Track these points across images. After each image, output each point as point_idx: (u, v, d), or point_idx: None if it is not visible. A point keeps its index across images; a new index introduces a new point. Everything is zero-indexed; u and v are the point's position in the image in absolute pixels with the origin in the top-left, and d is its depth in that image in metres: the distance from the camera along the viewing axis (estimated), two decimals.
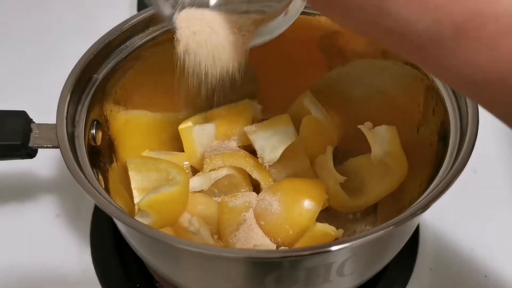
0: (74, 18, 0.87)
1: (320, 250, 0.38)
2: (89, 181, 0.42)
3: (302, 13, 0.58)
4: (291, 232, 0.53)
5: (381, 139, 0.55)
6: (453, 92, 0.49)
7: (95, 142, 0.51)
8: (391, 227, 0.37)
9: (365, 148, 0.60)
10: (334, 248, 0.37)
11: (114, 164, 0.55)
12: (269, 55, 0.61)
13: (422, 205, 0.39)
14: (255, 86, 0.65)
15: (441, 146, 0.48)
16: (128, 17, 0.55)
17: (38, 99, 0.64)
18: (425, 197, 0.40)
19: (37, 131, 0.47)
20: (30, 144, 0.47)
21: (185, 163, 0.61)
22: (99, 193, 0.41)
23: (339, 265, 0.40)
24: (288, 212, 0.53)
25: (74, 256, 0.59)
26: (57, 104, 0.47)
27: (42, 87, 0.73)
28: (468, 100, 0.46)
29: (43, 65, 0.79)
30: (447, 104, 0.49)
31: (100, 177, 0.49)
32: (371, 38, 0.32)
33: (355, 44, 0.59)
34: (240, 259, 0.40)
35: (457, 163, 0.42)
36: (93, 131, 0.51)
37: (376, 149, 0.55)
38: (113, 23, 0.55)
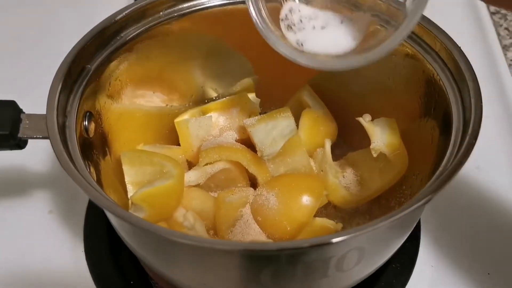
0: (68, 10, 0.86)
1: (319, 242, 0.36)
2: (80, 173, 0.41)
3: None
4: (288, 228, 0.51)
5: (380, 131, 0.54)
6: (456, 82, 0.47)
7: (87, 134, 0.50)
8: (392, 218, 0.36)
9: (365, 142, 0.59)
10: (332, 240, 0.36)
11: (108, 157, 0.54)
12: (267, 48, 0.60)
13: (423, 196, 0.37)
14: (253, 79, 0.64)
15: (443, 139, 0.46)
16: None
17: (28, 89, 0.62)
18: (426, 189, 0.39)
19: (27, 122, 0.46)
20: (20, 135, 0.45)
21: (181, 156, 0.60)
22: (90, 185, 0.40)
23: (338, 259, 0.39)
24: (286, 208, 0.52)
25: (67, 253, 0.58)
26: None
27: (33, 77, 0.72)
28: (471, 90, 0.44)
29: (34, 55, 0.78)
30: (449, 96, 0.47)
31: (92, 169, 0.47)
32: None
33: None
34: (234, 251, 0.39)
35: (460, 154, 0.40)
36: (86, 123, 0.49)
37: (375, 141, 0.54)
38: (107, 15, 0.53)
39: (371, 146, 0.53)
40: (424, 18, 0.51)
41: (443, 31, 0.50)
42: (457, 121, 0.45)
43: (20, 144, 0.46)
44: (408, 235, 0.46)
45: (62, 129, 0.45)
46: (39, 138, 0.45)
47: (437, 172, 0.41)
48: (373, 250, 0.42)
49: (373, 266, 0.45)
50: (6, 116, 0.45)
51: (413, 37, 0.52)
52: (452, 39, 0.49)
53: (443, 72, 0.49)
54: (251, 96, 0.63)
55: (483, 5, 0.86)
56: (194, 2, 0.57)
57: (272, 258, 0.39)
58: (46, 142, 0.46)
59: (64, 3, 0.87)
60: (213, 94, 0.65)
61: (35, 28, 0.82)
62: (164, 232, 0.37)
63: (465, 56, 0.47)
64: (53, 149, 0.42)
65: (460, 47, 0.48)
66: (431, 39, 0.50)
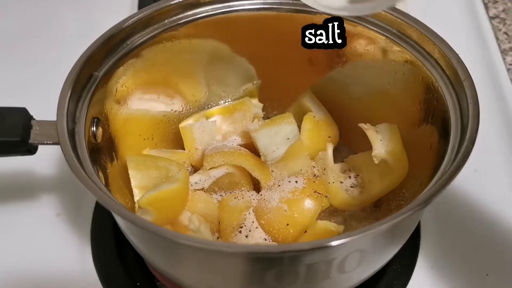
0: (74, 18, 0.87)
1: (320, 245, 0.38)
2: (90, 179, 0.42)
3: (302, 11, 0.58)
4: (291, 231, 0.52)
5: (382, 137, 0.55)
6: (454, 89, 0.49)
7: (95, 139, 0.51)
8: (392, 221, 0.37)
9: (365, 145, 0.60)
10: (334, 243, 0.37)
11: (115, 162, 0.55)
12: (270, 54, 0.62)
13: (423, 200, 0.39)
14: (255, 84, 0.65)
15: (442, 144, 0.47)
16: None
17: (38, 97, 0.63)
18: (425, 193, 0.40)
19: (38, 128, 0.47)
20: (31, 141, 0.46)
21: (185, 161, 0.61)
22: (100, 189, 0.41)
23: (340, 261, 0.40)
24: (289, 212, 0.53)
25: (75, 256, 0.59)
26: (57, 102, 0.47)
27: (42, 85, 0.73)
28: (469, 97, 0.46)
29: (43, 63, 0.79)
30: (447, 102, 0.48)
31: (101, 174, 0.49)
32: None
33: (355, 44, 0.59)
34: (239, 254, 0.40)
35: (457, 159, 0.42)
36: (94, 128, 0.51)
37: (377, 147, 0.55)
38: (113, 23, 0.55)
39: (372, 154, 0.54)
40: (423, 25, 0.53)
41: (442, 38, 0.51)
42: (455, 127, 0.46)
43: (31, 150, 0.47)
44: (408, 237, 0.47)
45: (72, 135, 0.46)
46: (49, 144, 0.47)
47: (436, 177, 0.42)
48: (374, 252, 0.43)
49: (374, 268, 0.46)
50: (17, 123, 0.46)
51: (412, 44, 0.54)
52: (451, 47, 0.50)
53: (441, 78, 0.50)
54: (254, 101, 0.64)
55: (482, 10, 0.87)
56: (198, 10, 0.59)
57: (275, 261, 0.40)
58: (54, 147, 0.48)
59: (73, 11, 0.88)
60: (217, 99, 0.66)
61: (43, 36, 0.84)
62: (173, 235, 0.39)
63: (463, 63, 0.48)
64: (64, 155, 0.43)
65: (458, 55, 0.49)
66: (430, 46, 0.52)
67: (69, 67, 0.50)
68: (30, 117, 0.48)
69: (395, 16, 0.55)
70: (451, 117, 0.47)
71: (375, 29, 0.56)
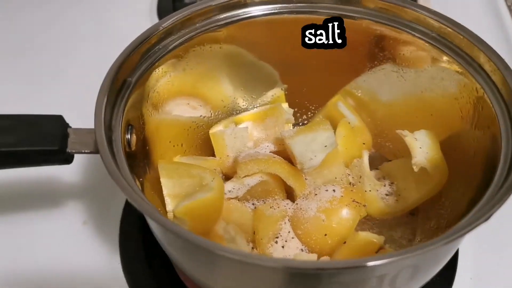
0: (102, 25, 0.85)
1: (356, 264, 0.36)
2: (133, 189, 0.40)
3: (345, 16, 0.57)
4: (329, 241, 0.51)
5: (421, 144, 0.54)
6: (502, 96, 0.47)
7: (129, 147, 0.50)
8: (455, 236, 0.36)
9: (397, 152, 0.59)
10: (397, 258, 0.36)
11: (147, 169, 0.53)
12: (297, 58, 0.61)
13: (479, 217, 0.37)
14: (284, 90, 0.64)
15: (490, 152, 0.46)
16: (148, 23, 0.54)
17: (70, 104, 0.62)
18: (483, 206, 0.39)
19: (74, 136, 0.46)
20: (68, 150, 0.45)
21: (216, 168, 0.59)
22: (144, 200, 0.40)
23: (392, 277, 0.39)
24: (327, 221, 0.51)
25: (103, 264, 0.57)
26: (90, 110, 0.46)
27: (74, 92, 0.72)
28: None
29: (72, 71, 0.77)
30: (495, 109, 0.47)
31: (137, 183, 0.47)
32: None
33: (391, 48, 0.57)
34: (281, 269, 0.38)
35: None
36: (128, 136, 0.49)
37: (417, 155, 0.53)
38: (140, 28, 0.54)
39: (412, 161, 0.53)
40: (467, 30, 0.51)
41: (487, 44, 0.50)
42: (506, 135, 0.44)
43: (68, 159, 0.46)
44: (455, 250, 0.46)
45: (110, 143, 0.44)
46: (87, 152, 0.45)
47: (490, 189, 0.41)
48: (424, 267, 0.42)
49: (422, 282, 0.45)
50: (55, 131, 0.45)
51: (454, 49, 0.52)
52: (497, 53, 0.49)
53: (487, 84, 0.49)
54: (285, 106, 0.63)
55: (506, 12, 0.86)
56: (229, 14, 0.57)
57: (317, 277, 0.39)
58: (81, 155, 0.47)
59: (100, 21, 0.87)
60: (245, 105, 0.64)
61: (74, 47, 0.82)
62: (220, 249, 0.37)
63: (510, 69, 0.47)
64: (105, 165, 0.41)
65: (505, 61, 0.48)
66: (474, 51, 0.50)
67: (97, 73, 0.48)
68: (67, 125, 0.47)
69: (435, 19, 0.53)
70: (500, 124, 0.45)
71: (413, 32, 0.55)
